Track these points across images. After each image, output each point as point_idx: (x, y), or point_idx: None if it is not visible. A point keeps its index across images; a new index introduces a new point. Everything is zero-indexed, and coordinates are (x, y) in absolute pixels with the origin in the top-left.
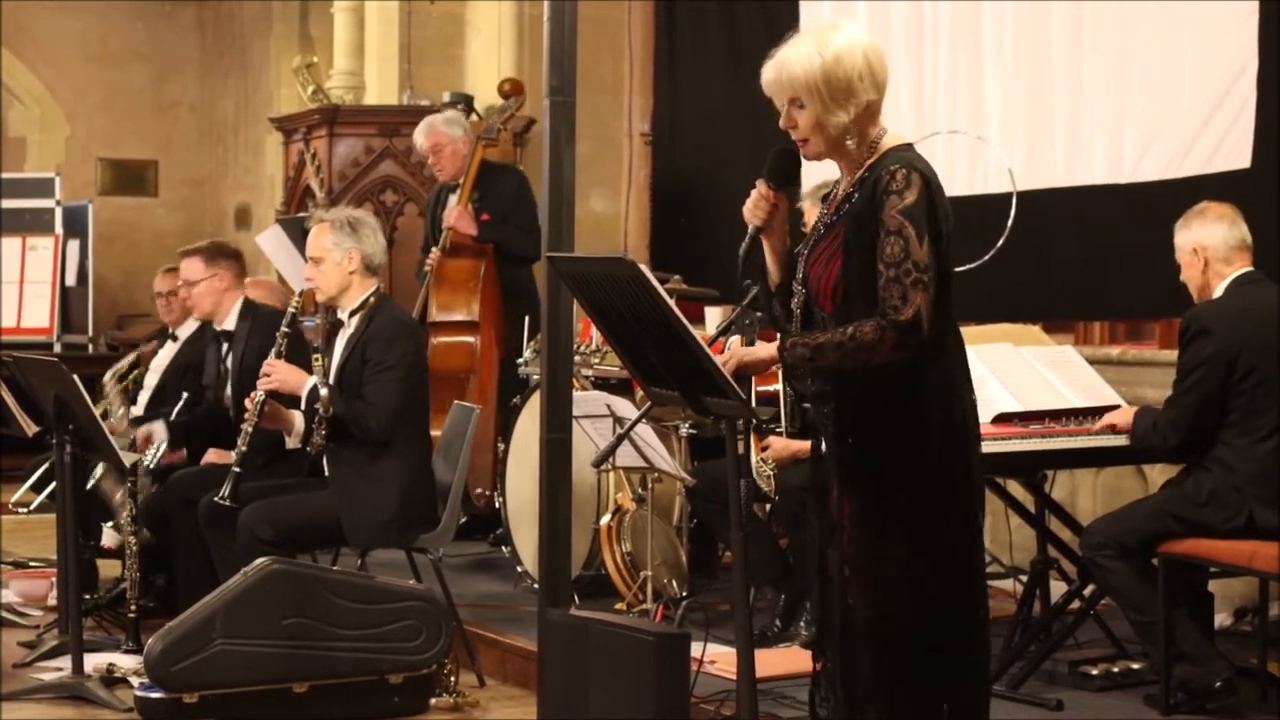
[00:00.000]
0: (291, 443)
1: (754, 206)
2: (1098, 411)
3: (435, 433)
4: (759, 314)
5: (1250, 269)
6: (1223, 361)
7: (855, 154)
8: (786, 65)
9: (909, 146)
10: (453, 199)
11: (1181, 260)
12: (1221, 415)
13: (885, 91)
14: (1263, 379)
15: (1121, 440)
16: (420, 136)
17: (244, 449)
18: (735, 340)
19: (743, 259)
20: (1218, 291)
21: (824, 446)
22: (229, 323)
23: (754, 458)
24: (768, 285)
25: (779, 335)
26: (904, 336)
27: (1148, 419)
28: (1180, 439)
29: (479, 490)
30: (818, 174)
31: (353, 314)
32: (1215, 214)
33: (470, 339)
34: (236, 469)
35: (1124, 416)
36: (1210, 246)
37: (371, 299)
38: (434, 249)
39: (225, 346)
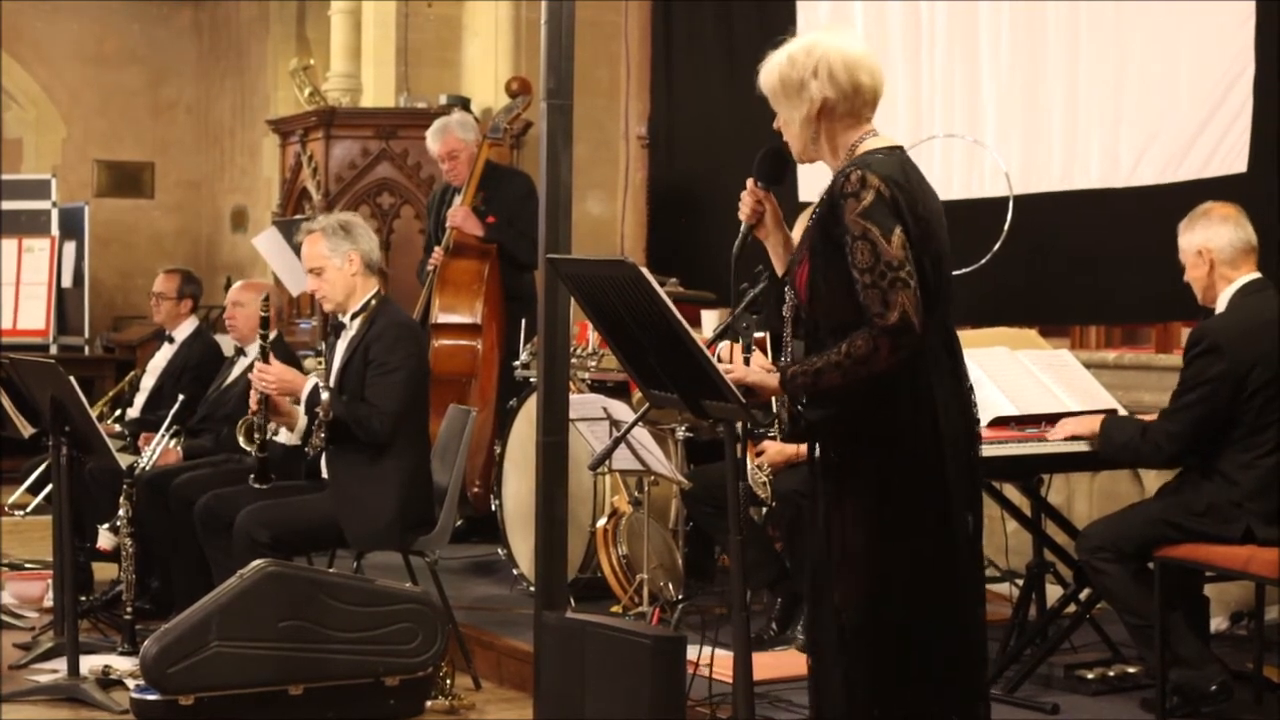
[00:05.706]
0: (291, 439)
1: (744, 205)
2: (1092, 415)
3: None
4: (755, 316)
5: (1257, 276)
6: (1230, 381)
7: (833, 157)
8: (763, 68)
9: (893, 150)
10: (458, 199)
11: (1186, 261)
12: (1224, 428)
13: (853, 94)
14: (1270, 396)
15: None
16: (434, 141)
17: (261, 437)
18: (726, 345)
19: (735, 258)
20: (1223, 298)
21: (818, 453)
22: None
23: (749, 464)
24: (779, 287)
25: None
26: (897, 339)
27: (1128, 428)
28: (1177, 450)
29: (475, 489)
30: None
31: (354, 316)
32: (1220, 215)
33: (473, 343)
34: (261, 454)
35: (1087, 425)
36: (1216, 249)
37: (373, 301)
38: (437, 249)
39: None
